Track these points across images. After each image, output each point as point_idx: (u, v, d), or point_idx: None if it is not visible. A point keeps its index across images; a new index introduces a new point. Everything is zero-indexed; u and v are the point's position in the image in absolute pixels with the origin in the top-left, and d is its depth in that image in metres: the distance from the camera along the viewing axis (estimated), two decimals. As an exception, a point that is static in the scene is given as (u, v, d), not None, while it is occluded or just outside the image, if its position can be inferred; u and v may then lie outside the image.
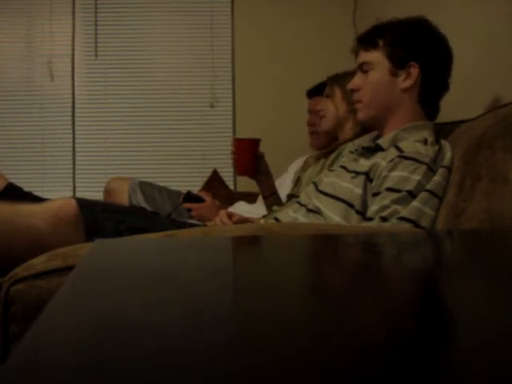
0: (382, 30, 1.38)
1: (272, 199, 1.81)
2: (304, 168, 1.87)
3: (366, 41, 1.40)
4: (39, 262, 0.84)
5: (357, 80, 1.42)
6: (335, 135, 1.81)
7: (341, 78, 1.79)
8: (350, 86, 1.43)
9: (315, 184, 1.41)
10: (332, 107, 1.80)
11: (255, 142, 1.75)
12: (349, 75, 1.81)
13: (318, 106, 2.09)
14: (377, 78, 1.37)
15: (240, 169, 1.76)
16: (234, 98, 3.03)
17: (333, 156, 1.66)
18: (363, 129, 1.62)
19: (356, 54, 1.45)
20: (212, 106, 3.03)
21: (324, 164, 1.68)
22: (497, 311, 0.33)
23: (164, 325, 0.30)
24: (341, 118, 1.78)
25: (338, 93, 1.78)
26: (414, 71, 1.34)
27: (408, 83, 1.35)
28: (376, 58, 1.37)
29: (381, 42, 1.36)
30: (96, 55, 3.04)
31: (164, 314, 0.32)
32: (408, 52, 1.35)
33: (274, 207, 1.74)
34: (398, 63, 1.35)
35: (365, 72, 1.39)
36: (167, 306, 0.34)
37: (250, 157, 1.74)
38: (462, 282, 0.42)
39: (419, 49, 1.35)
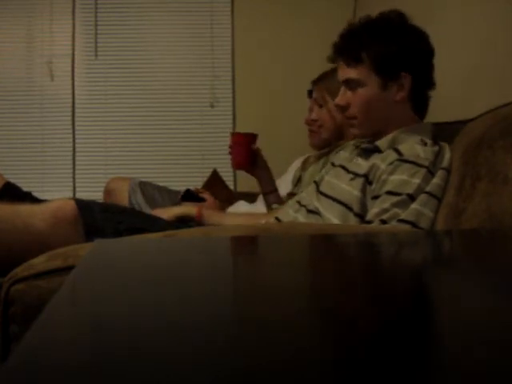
0: (362, 40, 1.30)
1: (272, 196, 1.80)
2: (304, 167, 1.86)
3: (347, 55, 1.31)
4: (39, 262, 0.84)
5: (344, 97, 1.35)
6: (337, 140, 1.80)
7: (328, 83, 1.77)
8: (338, 102, 1.37)
9: (316, 183, 1.40)
10: (328, 117, 1.78)
11: (249, 136, 1.76)
12: (333, 77, 1.79)
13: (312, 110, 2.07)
14: (367, 95, 1.31)
15: (234, 162, 1.77)
16: (233, 97, 3.03)
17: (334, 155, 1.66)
18: None
19: (332, 62, 1.40)
20: (212, 106, 3.03)
21: (325, 163, 1.68)
22: (497, 311, 0.33)
23: (164, 324, 0.30)
24: (339, 127, 1.77)
25: (331, 102, 1.76)
26: (406, 81, 1.29)
27: (402, 95, 1.30)
28: (363, 74, 1.30)
29: (364, 55, 1.29)
30: (96, 55, 3.04)
31: (164, 313, 0.32)
32: (397, 63, 1.29)
33: (274, 206, 1.74)
34: (387, 76, 1.29)
35: (352, 89, 1.33)
36: (167, 306, 0.34)
37: (243, 150, 1.75)
38: (462, 281, 0.42)
39: (407, 57, 1.29)
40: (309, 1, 2.98)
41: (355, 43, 1.31)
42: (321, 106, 1.79)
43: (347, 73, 1.33)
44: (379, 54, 1.29)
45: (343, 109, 1.37)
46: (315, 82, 1.82)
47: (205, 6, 3.05)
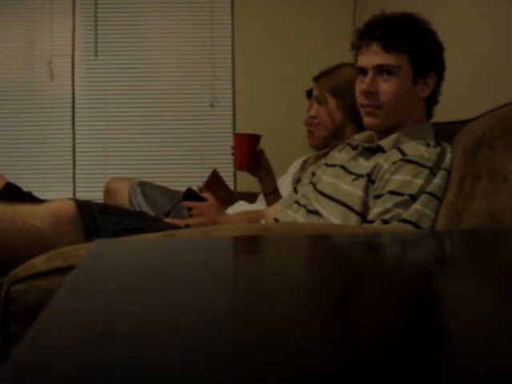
0: (403, 30, 1.29)
1: (273, 197, 1.80)
2: (303, 168, 1.86)
3: (387, 41, 1.29)
4: (39, 262, 0.84)
5: (374, 83, 1.31)
6: (335, 139, 1.79)
7: (330, 82, 1.76)
8: (366, 88, 1.31)
9: (313, 184, 1.40)
10: (326, 116, 1.77)
11: (253, 137, 1.75)
12: (334, 76, 1.78)
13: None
14: (401, 85, 1.29)
15: (237, 163, 1.76)
16: (233, 97, 3.03)
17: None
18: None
19: (358, 49, 1.36)
20: (212, 106, 3.03)
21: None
22: (497, 311, 0.33)
23: (164, 325, 0.30)
24: (338, 127, 1.76)
25: (331, 101, 1.75)
26: (432, 81, 1.31)
27: (426, 93, 1.32)
28: (401, 62, 1.28)
29: (404, 45, 1.28)
30: (96, 55, 3.04)
31: (164, 313, 0.32)
32: (431, 61, 1.31)
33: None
34: (419, 71, 1.30)
35: (383, 76, 1.30)
36: (167, 306, 0.34)
37: (247, 152, 1.74)
38: (462, 282, 0.42)
39: (439, 58, 1.33)
40: (309, 1, 2.98)
41: (396, 31, 1.29)
42: (321, 104, 1.79)
43: (384, 58, 1.29)
44: (419, 48, 1.28)
45: (370, 96, 1.32)
46: (316, 79, 1.81)
47: (205, 5, 3.05)
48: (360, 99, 1.35)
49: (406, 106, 1.32)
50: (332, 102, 1.75)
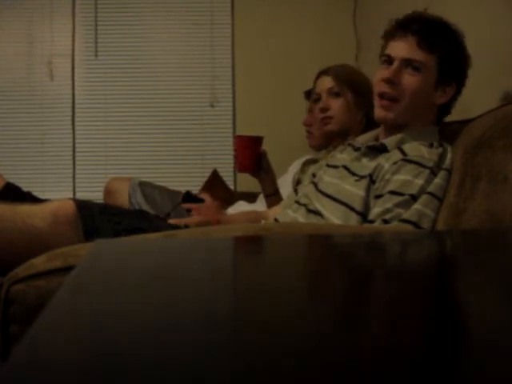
0: (439, 35, 1.30)
1: (274, 198, 1.80)
2: (303, 169, 1.85)
3: (424, 38, 1.28)
4: (39, 262, 0.84)
5: (398, 74, 1.30)
6: (339, 138, 1.78)
7: (350, 77, 1.76)
8: (389, 76, 1.29)
9: (315, 184, 1.40)
10: (344, 108, 1.76)
11: (255, 140, 1.74)
12: (351, 70, 1.78)
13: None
14: (423, 84, 1.29)
15: (240, 166, 1.76)
16: (234, 97, 3.03)
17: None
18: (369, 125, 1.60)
19: (387, 40, 1.35)
20: (212, 106, 3.03)
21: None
22: (497, 311, 0.33)
23: (164, 325, 0.30)
24: (353, 123, 1.75)
25: (350, 95, 1.75)
26: (450, 91, 1.32)
27: (442, 101, 1.32)
28: (430, 62, 1.29)
29: (437, 48, 1.28)
30: (96, 55, 3.04)
31: (164, 313, 0.32)
32: (456, 71, 1.32)
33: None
34: (442, 78, 1.30)
35: (407, 69, 1.29)
36: (167, 306, 0.34)
37: (250, 154, 1.73)
38: (462, 282, 0.42)
39: (462, 70, 1.33)
40: (309, 1, 2.98)
41: (433, 31, 1.30)
42: (337, 96, 1.77)
43: (415, 54, 1.29)
44: (450, 55, 1.30)
45: (391, 85, 1.30)
46: (332, 71, 1.80)
47: (205, 5, 3.05)
48: (379, 86, 1.33)
49: (421, 107, 1.32)
50: (351, 96, 1.74)
